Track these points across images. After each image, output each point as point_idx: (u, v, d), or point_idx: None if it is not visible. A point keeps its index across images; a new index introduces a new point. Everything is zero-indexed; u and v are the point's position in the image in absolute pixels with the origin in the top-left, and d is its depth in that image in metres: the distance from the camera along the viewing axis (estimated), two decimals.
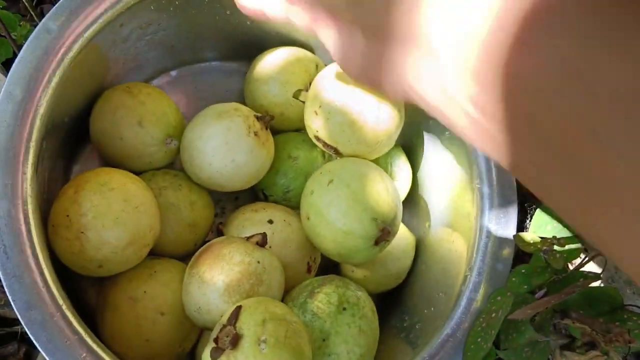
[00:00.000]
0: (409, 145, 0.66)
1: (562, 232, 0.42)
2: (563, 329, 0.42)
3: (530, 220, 0.48)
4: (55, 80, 0.48)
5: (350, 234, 0.55)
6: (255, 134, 0.57)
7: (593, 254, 0.44)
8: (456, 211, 0.60)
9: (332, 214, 0.55)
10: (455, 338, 0.51)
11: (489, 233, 0.54)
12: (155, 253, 0.57)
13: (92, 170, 0.52)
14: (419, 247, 0.64)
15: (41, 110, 0.47)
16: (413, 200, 0.66)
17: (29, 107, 0.46)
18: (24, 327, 0.42)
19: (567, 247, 0.42)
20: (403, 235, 0.63)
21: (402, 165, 0.64)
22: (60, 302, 0.43)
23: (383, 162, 0.63)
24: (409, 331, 0.57)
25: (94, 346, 0.43)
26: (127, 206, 0.50)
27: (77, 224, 0.48)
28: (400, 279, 0.63)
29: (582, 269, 0.44)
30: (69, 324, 0.43)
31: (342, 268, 0.63)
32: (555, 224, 0.43)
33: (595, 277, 0.42)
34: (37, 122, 0.47)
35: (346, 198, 0.54)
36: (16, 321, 0.61)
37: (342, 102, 0.56)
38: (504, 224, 0.54)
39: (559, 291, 0.42)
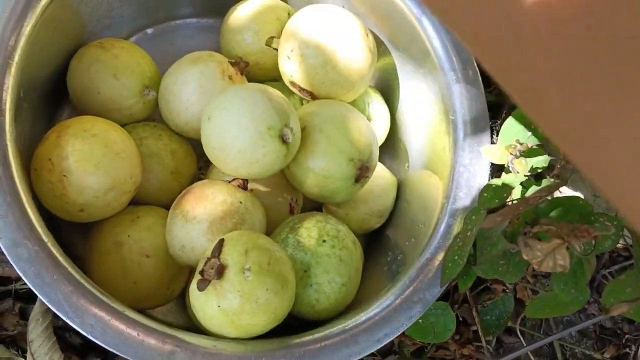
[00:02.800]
0: (386, 87, 0.67)
1: (527, 140, 0.43)
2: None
3: (497, 136, 0.49)
4: (27, 30, 0.49)
5: (329, 177, 0.56)
6: (230, 77, 0.58)
7: (561, 163, 0.45)
8: (432, 147, 0.61)
9: (308, 160, 0.56)
10: (434, 262, 0.52)
11: (463, 162, 0.56)
12: (141, 202, 0.58)
13: (75, 117, 0.53)
14: (400, 187, 0.66)
15: (15, 58, 0.48)
16: (392, 143, 0.67)
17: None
18: (12, 264, 0.43)
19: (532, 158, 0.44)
20: (382, 175, 0.64)
21: (379, 106, 0.65)
22: (45, 239, 0.44)
23: (360, 104, 0.64)
24: (391, 264, 0.58)
25: (81, 279, 0.44)
26: (108, 152, 0.51)
27: (59, 167, 0.49)
28: (382, 217, 0.64)
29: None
30: (55, 259, 0.44)
31: (325, 208, 0.64)
32: (520, 135, 0.44)
33: (562, 182, 0.43)
34: (12, 70, 0.48)
35: (321, 143, 0.55)
36: (11, 279, 0.62)
37: (315, 43, 0.57)
38: (477, 153, 0.55)
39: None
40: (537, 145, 0.44)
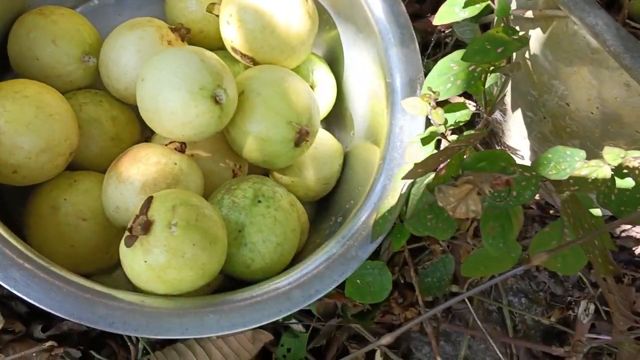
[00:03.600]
0: (332, 57, 0.68)
1: (446, 92, 0.44)
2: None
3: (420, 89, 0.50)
4: None
5: (268, 140, 0.56)
6: (169, 43, 0.58)
7: (483, 115, 0.45)
8: (373, 112, 0.62)
9: (247, 125, 0.56)
10: (369, 221, 0.53)
11: (399, 124, 0.56)
12: (81, 168, 0.58)
13: (8, 81, 0.53)
14: (347, 155, 0.66)
15: None
16: (339, 112, 0.68)
17: None
18: None
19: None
20: (328, 142, 0.64)
21: (323, 74, 0.65)
22: None
23: (304, 71, 0.64)
24: (333, 227, 0.59)
25: (5, 234, 0.44)
26: (40, 113, 0.51)
27: None
28: (328, 184, 0.64)
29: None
30: None
31: (272, 175, 0.64)
32: (441, 87, 0.44)
33: (482, 132, 0.44)
34: None
35: (258, 106, 0.56)
36: None
37: (253, 7, 0.58)
38: (412, 114, 0.56)
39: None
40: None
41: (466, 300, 0.69)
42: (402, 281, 0.63)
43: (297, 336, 0.65)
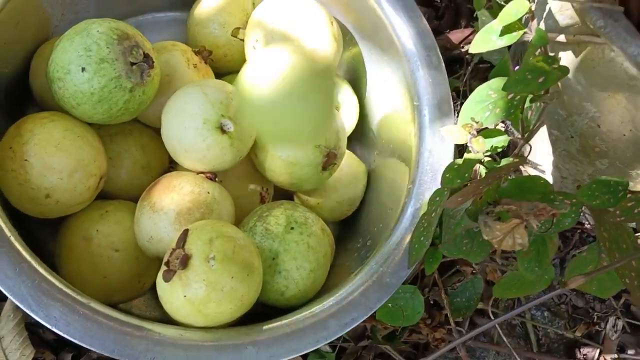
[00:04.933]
0: (354, 77, 0.68)
1: (485, 120, 0.44)
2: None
3: (457, 116, 0.50)
4: None
5: (296, 164, 0.57)
6: (195, 66, 0.58)
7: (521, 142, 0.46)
8: (399, 133, 0.62)
9: (275, 148, 0.56)
10: (401, 246, 0.53)
11: (428, 147, 0.56)
12: (112, 197, 0.58)
13: (35, 113, 0.53)
14: (371, 176, 0.66)
15: None
16: (362, 132, 0.68)
17: None
18: None
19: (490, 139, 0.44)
20: (351, 163, 0.64)
21: (348, 96, 0.65)
22: (8, 233, 0.44)
23: None
24: (361, 250, 0.59)
25: (44, 272, 0.44)
26: (68, 134, 0.52)
27: (20, 152, 0.49)
28: (353, 205, 0.64)
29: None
30: (18, 253, 0.44)
31: (297, 198, 0.64)
32: (478, 115, 0.44)
33: (521, 160, 0.44)
34: None
35: None
36: None
37: (279, 32, 0.58)
38: (442, 137, 0.56)
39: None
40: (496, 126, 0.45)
41: (491, 315, 0.69)
42: (431, 301, 0.63)
43: (323, 356, 0.65)
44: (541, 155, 0.67)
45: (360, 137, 0.68)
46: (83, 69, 0.49)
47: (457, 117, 0.50)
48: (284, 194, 0.64)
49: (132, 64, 0.51)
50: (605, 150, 0.54)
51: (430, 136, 0.56)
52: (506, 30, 0.44)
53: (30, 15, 0.58)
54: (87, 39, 0.50)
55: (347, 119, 0.65)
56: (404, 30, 0.59)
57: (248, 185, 0.60)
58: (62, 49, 0.50)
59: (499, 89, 0.43)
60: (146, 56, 0.52)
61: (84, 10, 0.64)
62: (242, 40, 0.61)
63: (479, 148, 0.44)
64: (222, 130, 0.53)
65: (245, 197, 0.60)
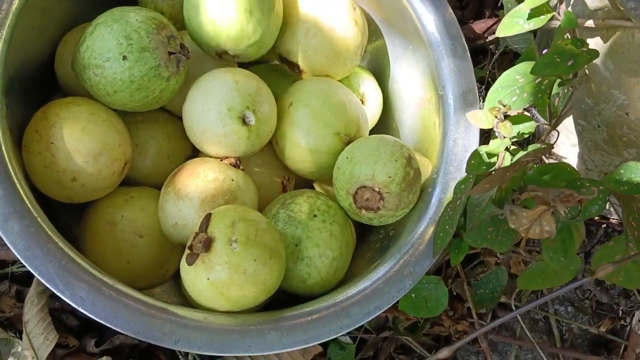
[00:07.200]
0: (377, 68, 0.68)
1: (513, 105, 0.44)
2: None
3: (483, 102, 0.49)
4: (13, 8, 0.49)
5: (316, 151, 0.56)
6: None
7: (547, 129, 0.45)
8: (423, 123, 0.61)
9: (295, 135, 0.56)
10: (425, 236, 0.52)
11: (453, 136, 0.56)
12: (136, 184, 0.58)
13: (61, 98, 0.54)
14: None
15: (3, 35, 0.48)
16: (384, 123, 0.68)
17: None
18: (3, 237, 0.43)
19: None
20: None
21: (371, 86, 0.65)
22: (35, 214, 0.45)
23: (352, 84, 0.64)
24: (383, 240, 0.59)
25: (71, 253, 0.45)
26: (93, 118, 0.52)
27: (46, 135, 0.50)
28: None
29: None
30: (45, 233, 0.45)
31: (318, 187, 0.64)
32: (506, 100, 0.44)
33: (548, 146, 0.43)
34: (0, 45, 0.48)
35: (306, 117, 0.56)
36: (7, 263, 0.62)
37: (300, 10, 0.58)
38: (466, 127, 0.55)
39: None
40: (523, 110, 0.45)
41: (513, 308, 0.68)
42: (454, 293, 0.62)
43: (344, 348, 0.65)
44: (566, 147, 0.66)
45: (384, 128, 0.68)
46: (124, 57, 0.50)
47: (482, 106, 0.49)
48: (305, 185, 0.64)
49: (170, 53, 0.51)
50: (634, 140, 0.54)
51: (454, 126, 0.56)
52: (534, 13, 0.43)
53: (56, 2, 0.58)
54: (126, 27, 0.50)
55: (370, 110, 0.65)
56: (429, 20, 0.58)
57: (270, 175, 0.60)
58: (100, 35, 0.50)
59: (526, 73, 0.43)
60: (182, 47, 0.52)
61: None
62: None
63: (507, 133, 0.43)
64: (244, 121, 0.53)
65: (267, 186, 0.60)
